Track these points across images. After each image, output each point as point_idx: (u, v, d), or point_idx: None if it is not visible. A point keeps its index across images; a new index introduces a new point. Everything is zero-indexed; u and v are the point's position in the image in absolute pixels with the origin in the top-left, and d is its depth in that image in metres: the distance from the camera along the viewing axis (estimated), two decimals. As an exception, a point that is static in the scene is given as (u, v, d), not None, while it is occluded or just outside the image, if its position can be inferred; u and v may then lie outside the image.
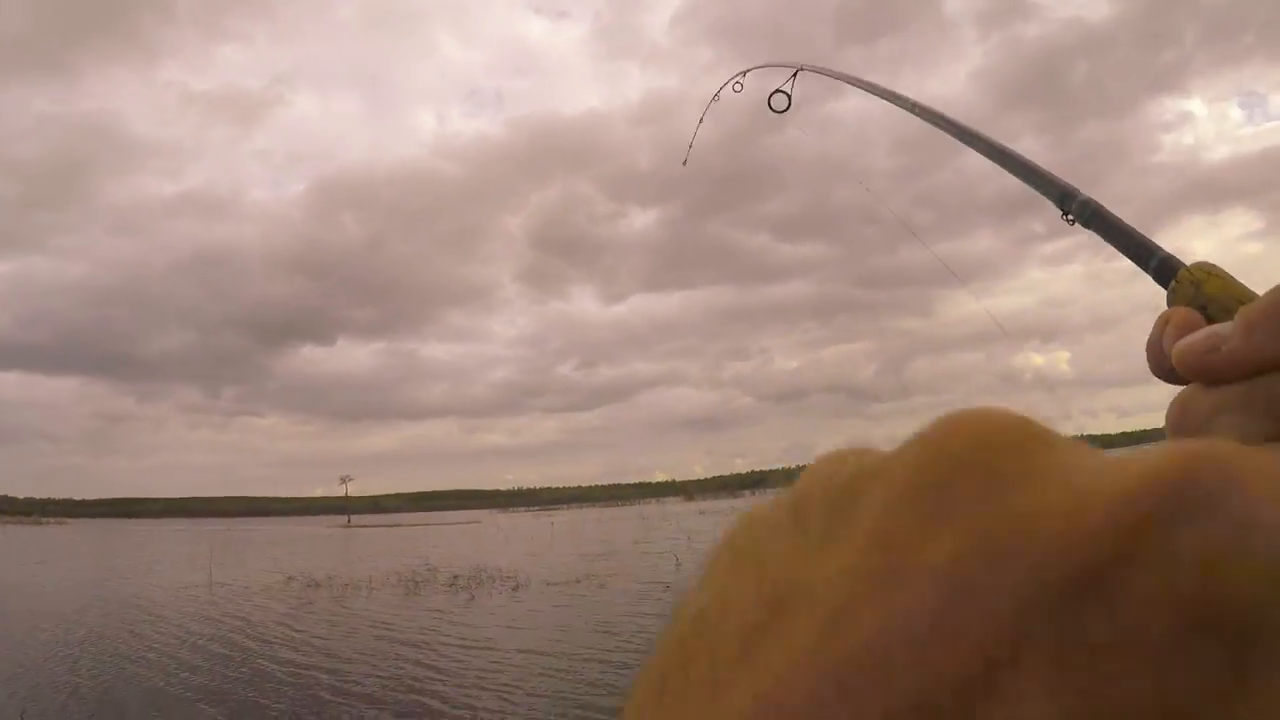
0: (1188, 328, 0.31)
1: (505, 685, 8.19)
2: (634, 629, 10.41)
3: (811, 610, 0.12)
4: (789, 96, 1.62)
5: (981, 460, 0.12)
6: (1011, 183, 0.73)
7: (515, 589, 17.02)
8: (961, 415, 0.13)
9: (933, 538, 0.11)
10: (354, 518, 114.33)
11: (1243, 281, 0.41)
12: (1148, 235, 0.54)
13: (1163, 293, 0.46)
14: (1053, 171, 0.67)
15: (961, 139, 0.82)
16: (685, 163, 2.69)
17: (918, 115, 0.95)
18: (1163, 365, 0.32)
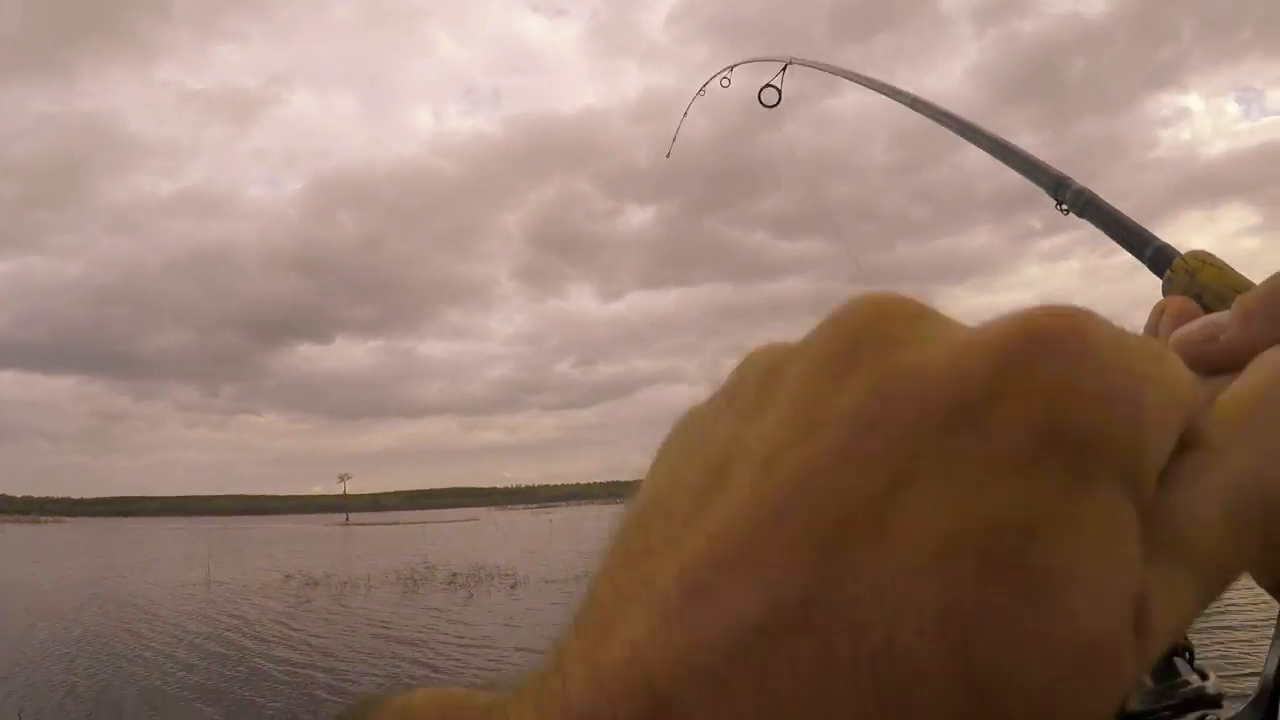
0: (1184, 316, 0.30)
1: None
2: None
3: (748, 462, 0.14)
4: (779, 91, 1.61)
5: (878, 328, 0.15)
6: (1008, 179, 0.72)
7: (513, 587, 17.05)
8: (863, 297, 0.16)
9: (841, 390, 0.14)
10: (352, 516, 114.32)
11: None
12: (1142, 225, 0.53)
13: (1159, 289, 0.45)
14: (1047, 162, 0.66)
15: (953, 128, 0.81)
16: (669, 155, 2.69)
17: (906, 104, 0.94)
18: None
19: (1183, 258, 0.42)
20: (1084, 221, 0.61)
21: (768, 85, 1.61)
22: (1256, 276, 0.36)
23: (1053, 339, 0.14)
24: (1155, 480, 0.14)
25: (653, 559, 0.14)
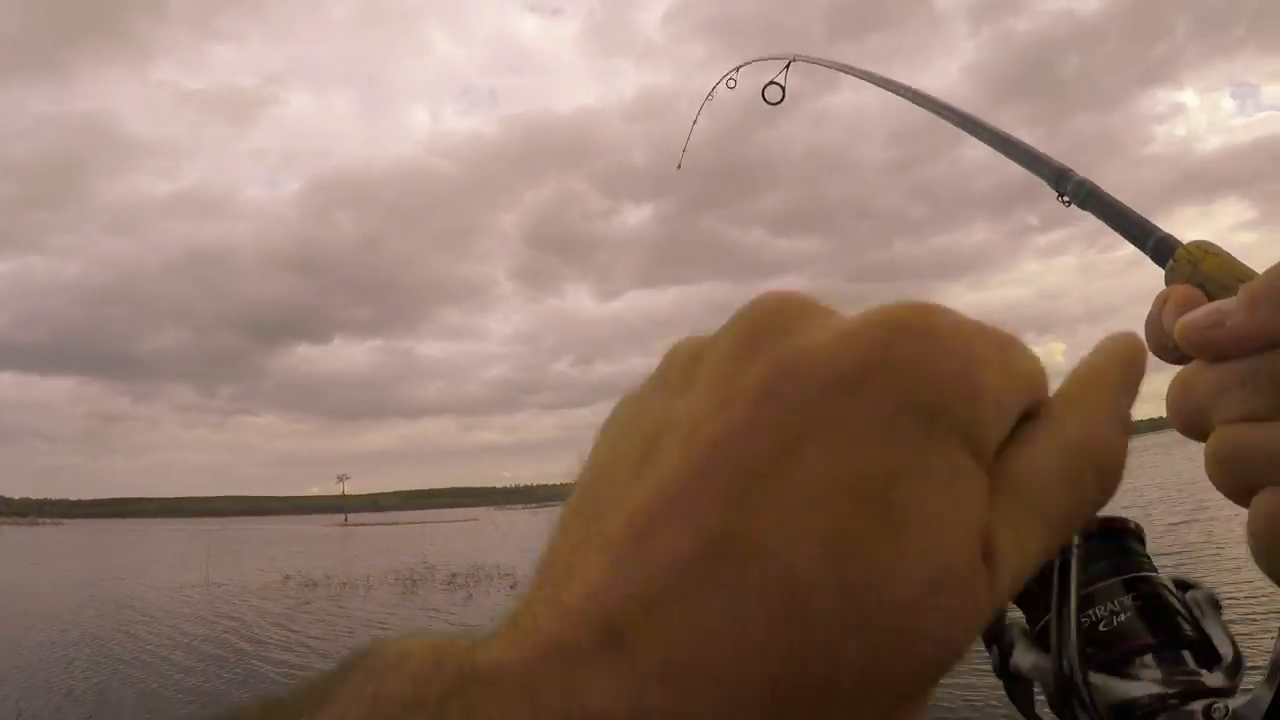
0: (1188, 305, 0.30)
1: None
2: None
3: (677, 432, 0.17)
4: (783, 88, 1.61)
5: (776, 320, 0.19)
6: (1006, 175, 0.72)
7: (513, 586, 16.99)
8: (767, 294, 0.20)
9: (747, 370, 0.18)
10: (351, 516, 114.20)
11: None
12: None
13: (1158, 282, 0.45)
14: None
15: (954, 121, 0.80)
16: (680, 166, 2.60)
17: (908, 99, 0.93)
18: (1163, 343, 0.31)
19: (1185, 248, 0.42)
20: (1084, 215, 0.61)
21: (771, 83, 1.61)
22: (1255, 270, 0.36)
23: (907, 327, 0.17)
24: (996, 441, 0.18)
25: (602, 516, 0.17)
